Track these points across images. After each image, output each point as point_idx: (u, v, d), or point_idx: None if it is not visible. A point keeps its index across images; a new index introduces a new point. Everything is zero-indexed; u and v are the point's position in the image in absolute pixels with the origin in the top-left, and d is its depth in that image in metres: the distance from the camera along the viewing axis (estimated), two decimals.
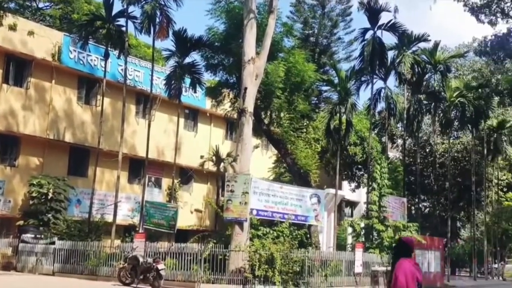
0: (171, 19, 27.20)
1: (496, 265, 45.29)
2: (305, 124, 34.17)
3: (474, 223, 44.92)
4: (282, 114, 29.45)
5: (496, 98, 37.93)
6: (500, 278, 42.58)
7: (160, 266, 18.45)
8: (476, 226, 46.89)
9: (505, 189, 47.20)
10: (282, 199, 24.18)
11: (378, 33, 32.74)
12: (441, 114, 39.98)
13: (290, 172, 31.26)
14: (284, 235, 21.83)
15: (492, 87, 36.24)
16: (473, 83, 39.91)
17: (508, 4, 29.11)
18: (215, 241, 21.24)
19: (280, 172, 35.90)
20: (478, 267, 41.73)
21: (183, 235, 28.71)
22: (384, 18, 32.82)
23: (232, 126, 36.02)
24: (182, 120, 32.20)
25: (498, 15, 29.64)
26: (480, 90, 38.44)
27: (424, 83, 38.48)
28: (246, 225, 21.16)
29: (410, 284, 6.40)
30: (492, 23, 30.04)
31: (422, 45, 36.32)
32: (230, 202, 21.13)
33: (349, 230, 30.62)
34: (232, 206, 21.04)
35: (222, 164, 34.45)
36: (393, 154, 47.96)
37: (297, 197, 24.93)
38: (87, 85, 30.48)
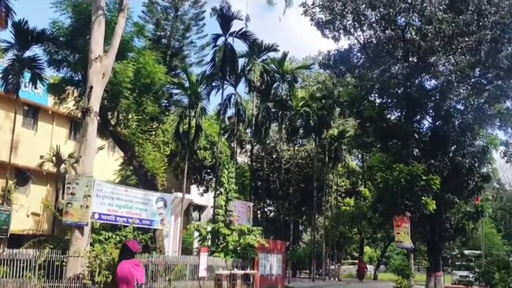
0: (11, 9, 25.17)
1: (333, 267, 47.97)
2: (154, 126, 33.65)
3: (315, 226, 47.26)
4: (130, 116, 28.72)
5: (338, 109, 40.20)
6: (336, 279, 45.16)
7: None
8: (317, 230, 49.38)
9: (343, 195, 50.26)
10: (126, 203, 23.51)
11: (230, 40, 33.43)
12: (288, 122, 41.56)
13: (137, 175, 30.58)
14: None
15: (334, 98, 38.29)
16: (317, 94, 41.88)
17: (350, 22, 31.03)
18: (52, 246, 20.06)
19: (127, 175, 35.01)
20: (317, 268, 43.83)
21: (17, 240, 26.69)
22: (236, 26, 33.47)
23: (76, 126, 34.34)
24: (20, 117, 30.17)
25: (341, 31, 31.45)
26: (323, 100, 40.51)
27: (273, 91, 39.72)
28: (87, 229, 20.20)
29: (124, 283, 7.01)
30: (336, 39, 31.84)
31: (271, 54, 37.73)
32: (70, 206, 20.04)
33: (196, 234, 30.63)
34: (72, 210, 19.97)
35: (63, 165, 32.75)
36: (242, 159, 49.02)
37: (143, 201, 24.38)
38: None
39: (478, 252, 56.53)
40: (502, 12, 27.54)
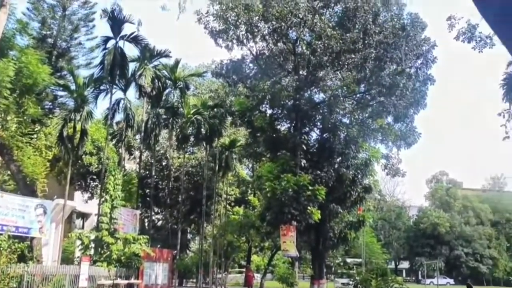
0: None
1: (220, 275, 47.94)
2: (36, 129, 31.87)
3: (203, 235, 47.02)
4: (9, 117, 27.02)
5: (229, 118, 40.41)
6: (223, 287, 45.23)
7: None
8: (205, 238, 49.15)
9: (232, 204, 50.43)
10: (1, 209, 22.08)
11: (121, 43, 32.54)
12: (178, 130, 41.07)
13: (15, 180, 28.82)
14: (2, 248, 19.91)
15: (226, 107, 38.43)
16: (209, 102, 41.79)
17: (243, 33, 31.33)
18: None
19: (4, 179, 32.84)
20: (204, 277, 43.58)
21: None
22: (128, 29, 32.57)
23: None
24: None
25: (234, 41, 31.69)
26: (215, 109, 40.46)
27: (164, 97, 39.19)
28: None
29: None
30: (229, 48, 32.05)
31: (164, 60, 37.19)
32: None
33: (78, 242, 29.38)
34: None
35: None
36: (130, 165, 47.83)
37: (20, 208, 23.03)
38: None
39: (359, 260, 59.19)
40: (386, 33, 29.11)
